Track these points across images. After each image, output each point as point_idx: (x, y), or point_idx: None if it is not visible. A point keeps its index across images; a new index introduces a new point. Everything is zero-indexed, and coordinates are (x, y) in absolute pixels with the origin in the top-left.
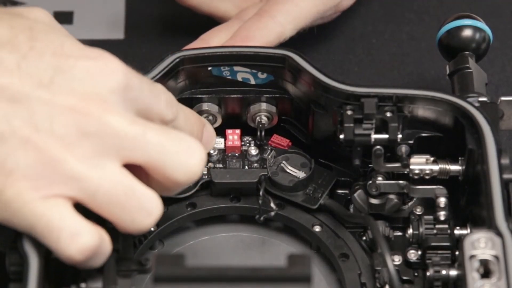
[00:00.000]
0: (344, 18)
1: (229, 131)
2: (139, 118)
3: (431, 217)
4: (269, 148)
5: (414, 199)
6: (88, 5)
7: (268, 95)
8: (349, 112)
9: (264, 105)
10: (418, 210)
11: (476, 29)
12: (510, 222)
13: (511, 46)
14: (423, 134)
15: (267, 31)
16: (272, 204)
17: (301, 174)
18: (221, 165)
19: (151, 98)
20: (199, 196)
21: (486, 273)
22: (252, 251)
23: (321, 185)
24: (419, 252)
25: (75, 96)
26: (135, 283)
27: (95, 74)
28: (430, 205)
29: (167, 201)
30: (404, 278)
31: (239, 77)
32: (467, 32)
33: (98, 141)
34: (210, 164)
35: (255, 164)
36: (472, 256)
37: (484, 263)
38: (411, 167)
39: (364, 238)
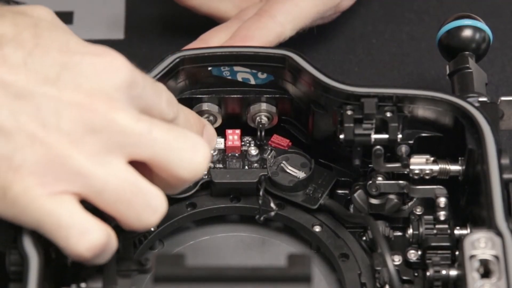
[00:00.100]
0: (344, 18)
1: (229, 131)
2: (144, 115)
3: (431, 217)
4: (269, 148)
5: (414, 199)
6: (88, 5)
7: (268, 95)
8: (349, 112)
9: (264, 105)
10: (418, 210)
11: (476, 29)
12: (510, 222)
13: (511, 46)
14: (423, 134)
15: (267, 31)
16: (272, 204)
17: (301, 174)
18: (221, 165)
19: (154, 97)
20: (199, 196)
21: (486, 273)
22: (252, 251)
23: (321, 185)
24: (419, 252)
25: (81, 92)
26: (135, 283)
27: (101, 70)
28: (430, 205)
29: (167, 201)
30: (404, 278)
31: (239, 77)
32: (467, 32)
33: (105, 137)
34: (210, 164)
35: (255, 164)
36: (472, 256)
37: (484, 263)
38: (411, 167)
39: (364, 238)
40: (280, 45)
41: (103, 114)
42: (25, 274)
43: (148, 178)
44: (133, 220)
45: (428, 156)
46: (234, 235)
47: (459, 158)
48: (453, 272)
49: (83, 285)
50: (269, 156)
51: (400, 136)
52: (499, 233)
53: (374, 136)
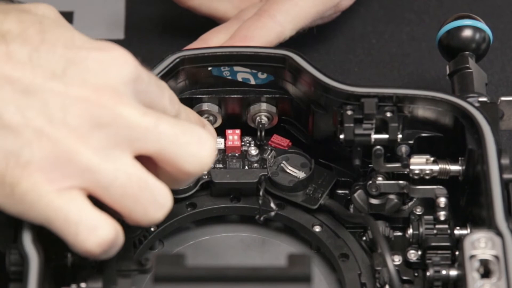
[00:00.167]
0: (344, 18)
1: (229, 131)
2: (150, 109)
3: (431, 217)
4: (269, 148)
5: (414, 199)
6: (88, 5)
7: (268, 95)
8: (349, 112)
9: (264, 105)
10: (418, 210)
11: (476, 29)
12: (510, 222)
13: (511, 46)
14: (423, 134)
15: (267, 30)
16: (272, 204)
17: (301, 174)
18: (221, 165)
19: (157, 93)
20: (199, 196)
21: (486, 273)
22: (252, 251)
23: (321, 185)
24: (419, 252)
25: (87, 87)
26: (135, 283)
27: (107, 65)
28: (430, 205)
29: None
30: (404, 278)
31: (239, 77)
32: (467, 32)
33: (112, 132)
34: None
35: (255, 164)
36: (472, 256)
37: (484, 263)
38: (411, 167)
39: (364, 238)
40: (280, 45)
41: (110, 109)
42: (25, 274)
43: (153, 173)
44: (140, 216)
45: (428, 156)
46: (234, 235)
47: (459, 158)
48: (453, 272)
49: (83, 285)
50: (269, 156)
51: (400, 136)
52: (499, 233)
53: (374, 136)
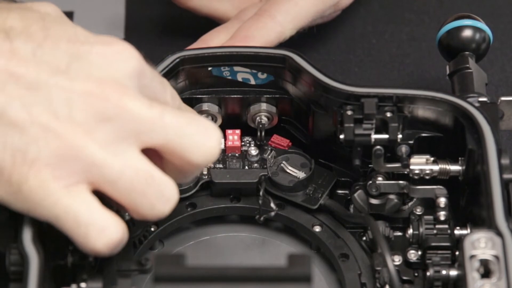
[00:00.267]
0: (344, 18)
1: (229, 131)
2: (155, 102)
3: (431, 217)
4: (269, 148)
5: (414, 199)
6: (88, 5)
7: (268, 95)
8: (349, 112)
9: (264, 105)
10: (418, 210)
11: (476, 29)
12: (510, 222)
13: (511, 46)
14: (423, 134)
15: (267, 30)
16: (272, 204)
17: (301, 174)
18: (221, 165)
19: (160, 88)
20: (199, 196)
21: (486, 273)
22: (252, 251)
23: (321, 185)
24: (419, 252)
25: (92, 81)
26: (135, 283)
27: (112, 59)
28: (430, 205)
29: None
30: (404, 278)
31: (239, 77)
32: (467, 33)
33: (118, 125)
34: (210, 164)
35: (255, 164)
36: (472, 256)
37: (484, 263)
38: (411, 167)
39: (364, 238)
40: (280, 45)
41: (115, 102)
42: (25, 274)
43: (159, 166)
44: (146, 210)
45: (428, 156)
46: (234, 235)
47: (459, 158)
48: (453, 272)
49: (83, 285)
50: (269, 156)
51: (400, 136)
52: (499, 233)
53: (374, 136)
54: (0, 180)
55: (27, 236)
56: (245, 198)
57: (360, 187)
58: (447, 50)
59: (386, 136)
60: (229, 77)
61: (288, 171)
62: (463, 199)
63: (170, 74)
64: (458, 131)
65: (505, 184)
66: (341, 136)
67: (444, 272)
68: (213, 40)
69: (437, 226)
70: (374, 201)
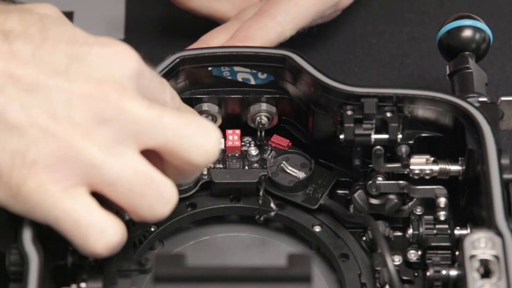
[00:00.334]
0: (344, 18)
1: (229, 131)
2: (154, 103)
3: (431, 217)
4: (269, 149)
5: (414, 199)
6: (88, 5)
7: (268, 95)
8: (349, 112)
9: (264, 105)
10: (418, 210)
11: (476, 29)
12: (510, 222)
13: (511, 46)
14: (423, 134)
15: (267, 30)
16: (272, 204)
17: (301, 174)
18: (221, 166)
19: (159, 88)
20: (199, 196)
21: (486, 273)
22: (252, 251)
23: (321, 185)
24: (419, 252)
25: (91, 82)
26: (135, 283)
27: (110, 60)
28: (430, 205)
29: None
30: (404, 278)
31: (239, 77)
32: (467, 33)
33: (117, 126)
34: (210, 165)
35: (255, 164)
36: (472, 256)
37: (484, 263)
38: (411, 167)
39: (364, 238)
40: (280, 45)
41: (114, 103)
42: (25, 274)
43: (159, 167)
44: (146, 212)
45: (428, 156)
46: (234, 235)
47: (459, 158)
48: (453, 272)
49: (83, 285)
50: (269, 156)
51: (400, 136)
52: (499, 233)
53: (374, 136)
54: None
55: (27, 236)
56: (245, 198)
57: (360, 187)
58: (447, 50)
59: (386, 136)
60: (229, 77)
61: (288, 171)
62: (463, 199)
63: (170, 74)
64: (458, 131)
65: (505, 184)
66: (341, 136)
67: (444, 272)
68: (213, 40)
69: (437, 226)
70: (374, 201)
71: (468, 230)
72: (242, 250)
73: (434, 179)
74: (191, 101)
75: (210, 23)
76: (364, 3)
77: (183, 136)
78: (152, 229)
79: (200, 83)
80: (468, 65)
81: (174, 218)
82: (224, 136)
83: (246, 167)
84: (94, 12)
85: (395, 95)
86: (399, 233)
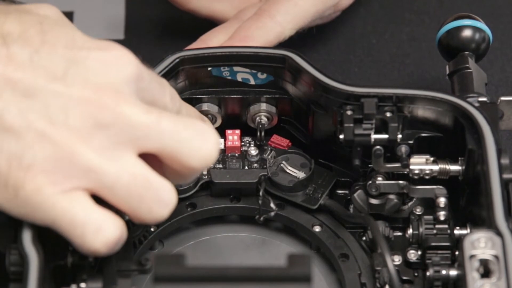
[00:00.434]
0: (344, 18)
1: (229, 132)
2: (152, 107)
3: (431, 217)
4: (269, 149)
5: (414, 199)
6: (88, 5)
7: (268, 96)
8: (349, 112)
9: (264, 106)
10: (418, 210)
11: (476, 29)
12: (510, 222)
13: (511, 46)
14: (423, 134)
15: (266, 30)
16: (272, 205)
17: (301, 174)
18: (221, 166)
19: (158, 90)
20: (199, 196)
21: (486, 273)
22: (252, 251)
23: (321, 185)
24: (419, 252)
25: (89, 87)
26: (135, 283)
27: (109, 64)
28: (430, 205)
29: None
30: (404, 278)
31: (239, 78)
32: (467, 32)
33: (114, 132)
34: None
35: (255, 165)
36: (472, 256)
37: (484, 263)
38: (411, 167)
39: (364, 238)
40: (280, 45)
41: (111, 109)
42: (25, 274)
43: (158, 169)
44: (145, 214)
45: (428, 156)
46: (234, 235)
47: (459, 158)
48: (453, 272)
49: (83, 285)
50: (269, 156)
51: (400, 136)
52: (499, 233)
53: (374, 136)
54: None
55: (27, 236)
56: (245, 198)
57: (360, 187)
58: (447, 50)
59: (386, 136)
60: (229, 77)
61: (288, 171)
62: (463, 199)
63: (170, 74)
64: (458, 131)
65: (505, 184)
66: (341, 136)
67: (444, 272)
68: (212, 40)
69: (437, 226)
70: (374, 201)
71: (468, 230)
72: (242, 250)
73: (434, 179)
74: (191, 101)
75: (209, 23)
76: (364, 3)
77: (180, 141)
78: (152, 229)
79: (200, 83)
80: (467, 65)
81: (174, 218)
82: (224, 136)
83: (246, 167)
84: (94, 12)
85: (395, 95)
86: (399, 233)
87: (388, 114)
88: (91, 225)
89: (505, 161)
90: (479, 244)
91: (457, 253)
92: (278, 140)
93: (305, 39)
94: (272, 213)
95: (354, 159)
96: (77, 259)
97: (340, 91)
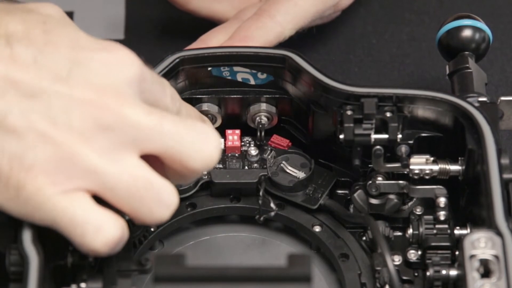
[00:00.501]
0: (344, 18)
1: (229, 132)
2: (154, 108)
3: (431, 217)
4: (269, 149)
5: (414, 199)
6: (88, 5)
7: (268, 96)
8: (349, 112)
9: (264, 106)
10: (418, 210)
11: (475, 29)
12: (510, 222)
13: (511, 46)
14: (423, 134)
15: (266, 30)
16: (272, 204)
17: (301, 174)
18: (221, 165)
19: (160, 91)
20: (199, 196)
21: (486, 273)
22: (252, 251)
23: (321, 185)
24: (419, 252)
25: (92, 89)
26: (135, 283)
27: (112, 66)
28: (430, 205)
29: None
30: (404, 278)
31: (239, 78)
32: (467, 32)
33: (116, 133)
34: None
35: (255, 165)
36: (472, 256)
37: (484, 262)
38: (411, 167)
39: (364, 238)
40: (280, 45)
41: (114, 111)
42: (25, 274)
43: (159, 169)
44: (146, 216)
45: (428, 156)
46: (234, 235)
47: (459, 158)
48: (453, 272)
49: (83, 285)
50: (269, 156)
51: (400, 136)
52: (499, 233)
53: (374, 136)
54: None
55: (27, 236)
56: (245, 198)
57: (360, 187)
58: (447, 50)
59: (386, 136)
60: (229, 77)
61: (288, 171)
62: (463, 199)
63: (170, 74)
64: (458, 131)
65: (505, 184)
66: (341, 136)
67: (444, 272)
68: (212, 40)
69: (437, 226)
70: (374, 201)
71: (468, 230)
72: (242, 250)
73: (434, 179)
74: (191, 101)
75: (209, 23)
76: (364, 3)
77: (182, 143)
78: (152, 229)
79: (200, 83)
80: (467, 65)
81: (174, 218)
82: (224, 136)
83: (246, 167)
84: (94, 12)
85: (395, 95)
86: (399, 233)
87: (388, 114)
88: (91, 224)
89: (505, 161)
90: (479, 244)
91: (457, 253)
92: (278, 140)
93: (305, 39)
94: (272, 213)
95: (354, 159)
96: (77, 259)
97: (340, 91)
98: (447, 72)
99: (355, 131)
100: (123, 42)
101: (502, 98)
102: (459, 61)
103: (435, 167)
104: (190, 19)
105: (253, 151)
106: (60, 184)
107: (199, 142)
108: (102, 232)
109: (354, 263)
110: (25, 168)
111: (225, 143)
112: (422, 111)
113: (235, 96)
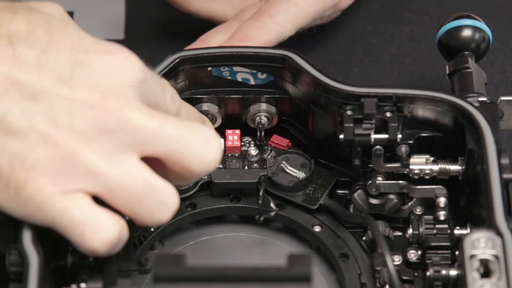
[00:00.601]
0: (344, 19)
1: (229, 132)
2: (156, 110)
3: (431, 217)
4: (269, 149)
5: (414, 199)
6: (88, 5)
7: (268, 96)
8: (349, 112)
9: (264, 106)
10: (418, 210)
11: (475, 29)
12: (510, 222)
13: (511, 46)
14: (423, 134)
15: (266, 30)
16: (272, 204)
17: (301, 174)
18: (221, 166)
19: (160, 92)
20: (199, 196)
21: (486, 273)
22: (252, 251)
23: (321, 185)
24: (419, 252)
25: (94, 91)
26: (135, 283)
27: (114, 68)
28: (430, 205)
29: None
30: (404, 278)
31: (239, 78)
32: (467, 32)
33: (118, 136)
34: None
35: (255, 164)
36: (472, 256)
37: (484, 262)
38: (411, 167)
39: (364, 238)
40: (280, 45)
41: (116, 113)
42: (25, 274)
43: (160, 171)
44: (146, 217)
45: (428, 156)
46: (234, 235)
47: (459, 158)
48: (453, 272)
49: (83, 285)
50: (269, 156)
51: (400, 136)
52: (499, 233)
53: (374, 136)
54: None
55: (27, 236)
56: (245, 198)
57: (360, 187)
58: (447, 50)
59: (385, 136)
60: (229, 77)
61: (288, 171)
62: (463, 199)
63: (170, 74)
64: (458, 131)
65: (505, 184)
66: (341, 136)
67: (444, 272)
68: (212, 40)
69: (437, 226)
70: (374, 201)
71: (468, 230)
72: (242, 250)
73: (434, 179)
74: (191, 101)
75: (209, 23)
76: (364, 3)
77: (184, 146)
78: (152, 229)
79: (200, 83)
80: (467, 65)
81: (174, 218)
82: (224, 136)
83: (246, 167)
84: (94, 12)
85: (395, 95)
86: (399, 233)
87: (388, 114)
88: (90, 224)
89: (505, 161)
90: (479, 244)
91: (457, 253)
92: (278, 140)
93: (305, 39)
94: (272, 213)
95: (354, 159)
96: (77, 259)
97: (340, 91)
98: (447, 72)
99: (355, 131)
100: (123, 42)
101: (502, 98)
102: (459, 61)
103: (435, 167)
104: (190, 19)
105: (253, 151)
106: (60, 184)
107: (201, 145)
108: (101, 232)
109: (354, 263)
110: (26, 168)
111: (225, 143)
112: (422, 111)
113: (235, 96)
